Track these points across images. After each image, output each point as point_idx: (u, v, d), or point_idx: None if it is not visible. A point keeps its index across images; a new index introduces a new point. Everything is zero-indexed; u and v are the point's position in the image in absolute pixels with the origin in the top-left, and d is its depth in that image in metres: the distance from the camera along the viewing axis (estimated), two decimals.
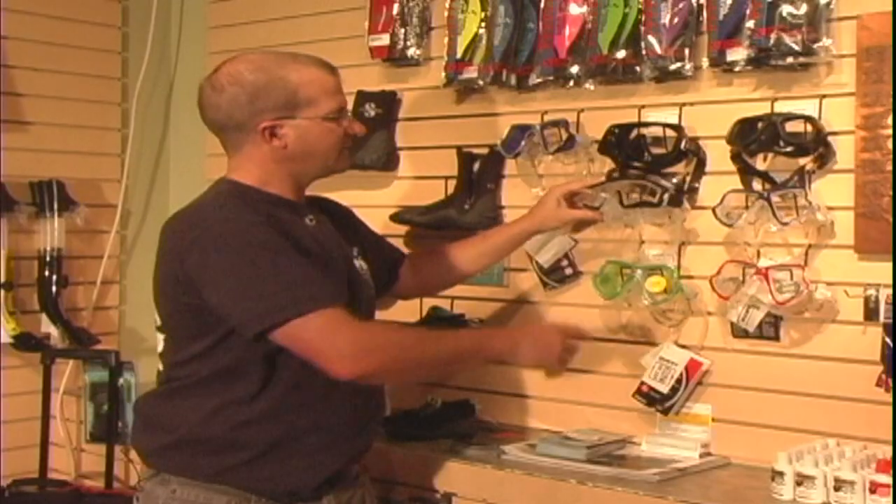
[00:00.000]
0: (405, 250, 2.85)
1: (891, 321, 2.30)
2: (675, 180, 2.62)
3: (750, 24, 2.49)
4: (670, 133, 2.63)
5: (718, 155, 2.59)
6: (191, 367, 2.17)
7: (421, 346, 2.20)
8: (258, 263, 2.05)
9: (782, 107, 2.50)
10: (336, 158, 2.27)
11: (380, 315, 3.02)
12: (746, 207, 2.51)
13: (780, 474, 2.27)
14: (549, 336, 2.42)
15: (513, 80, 2.89)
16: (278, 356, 2.12)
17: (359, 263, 2.34)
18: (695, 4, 2.62)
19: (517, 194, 2.87)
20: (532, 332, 2.47)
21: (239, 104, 2.17)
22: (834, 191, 2.45)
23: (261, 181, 2.22)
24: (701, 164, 2.63)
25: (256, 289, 2.05)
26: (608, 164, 2.74)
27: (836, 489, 2.20)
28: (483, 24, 2.93)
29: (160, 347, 2.28)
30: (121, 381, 3.36)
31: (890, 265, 2.33)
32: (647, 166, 2.65)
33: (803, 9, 2.43)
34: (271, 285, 2.04)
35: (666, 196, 2.59)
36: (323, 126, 2.21)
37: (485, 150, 2.96)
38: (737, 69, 2.55)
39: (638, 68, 2.69)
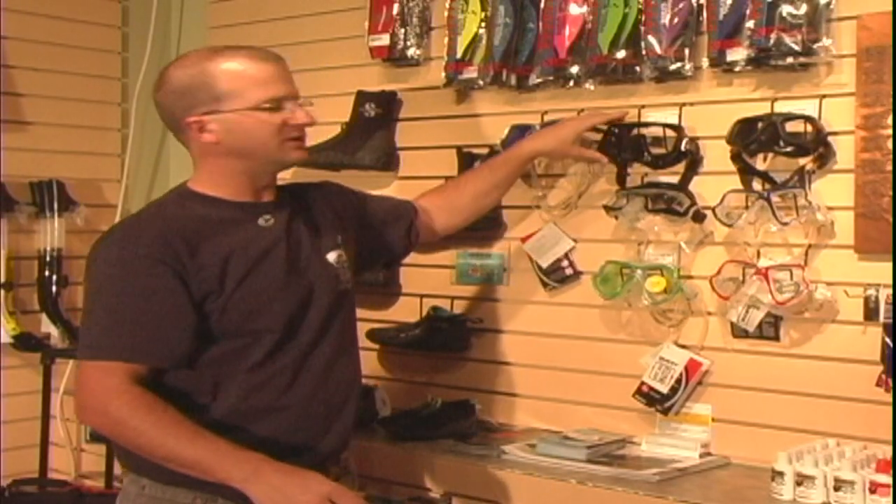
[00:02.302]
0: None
1: (891, 321, 2.30)
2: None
3: (750, 24, 2.49)
4: (670, 133, 2.63)
5: (718, 155, 2.58)
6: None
7: (150, 436, 2.02)
8: (101, 300, 2.11)
9: (782, 107, 2.50)
10: (278, 150, 2.18)
11: (379, 315, 3.04)
12: (746, 207, 2.51)
13: (780, 474, 2.27)
14: (295, 492, 1.98)
15: (513, 80, 2.89)
16: (220, 369, 2.12)
17: (334, 255, 2.28)
18: (695, 4, 2.62)
19: (517, 194, 2.86)
20: (276, 481, 1.99)
21: (172, 103, 2.19)
22: (834, 191, 2.45)
23: (212, 185, 2.20)
24: (694, 164, 2.63)
25: (85, 322, 2.14)
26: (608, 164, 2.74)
27: (836, 489, 2.20)
28: (483, 24, 2.93)
29: None
30: None
31: (890, 265, 2.33)
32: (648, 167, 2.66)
33: (803, 9, 2.43)
34: (93, 324, 2.11)
35: (693, 209, 2.59)
36: (254, 117, 2.14)
37: (485, 150, 2.95)
38: (737, 69, 2.55)
39: (638, 68, 2.69)
